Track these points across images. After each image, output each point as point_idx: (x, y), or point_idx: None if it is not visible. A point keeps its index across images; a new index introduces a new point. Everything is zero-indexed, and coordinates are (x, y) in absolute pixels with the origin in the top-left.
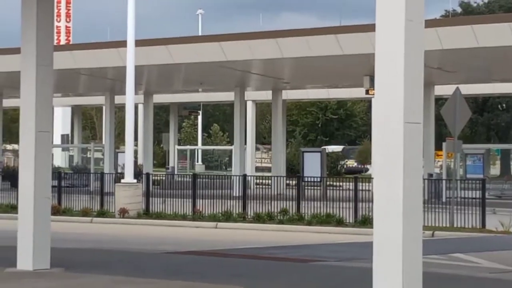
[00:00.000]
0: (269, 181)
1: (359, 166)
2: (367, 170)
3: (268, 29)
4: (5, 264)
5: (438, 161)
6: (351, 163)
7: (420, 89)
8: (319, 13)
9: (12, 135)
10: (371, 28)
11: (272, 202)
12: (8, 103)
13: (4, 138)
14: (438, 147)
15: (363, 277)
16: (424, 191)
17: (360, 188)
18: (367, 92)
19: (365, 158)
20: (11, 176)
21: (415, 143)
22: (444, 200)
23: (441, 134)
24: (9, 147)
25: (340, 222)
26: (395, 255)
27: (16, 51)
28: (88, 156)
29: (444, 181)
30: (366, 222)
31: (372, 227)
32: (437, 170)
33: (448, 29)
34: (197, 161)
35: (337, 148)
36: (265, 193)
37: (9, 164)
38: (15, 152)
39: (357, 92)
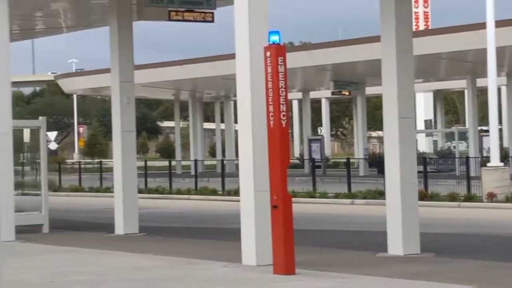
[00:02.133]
0: None
1: None
2: None
3: None
4: (376, 249)
5: None
6: None
7: None
8: None
9: (376, 122)
10: None
11: None
12: (371, 91)
13: (368, 125)
14: None
15: None
16: None
17: None
18: None
19: None
20: (377, 163)
21: None
22: None
23: None
24: (373, 134)
25: None
26: None
27: (376, 39)
28: (452, 142)
29: None
30: None
31: None
32: None
33: None
34: None
35: None
36: None
37: (375, 151)
38: (380, 139)
39: None
